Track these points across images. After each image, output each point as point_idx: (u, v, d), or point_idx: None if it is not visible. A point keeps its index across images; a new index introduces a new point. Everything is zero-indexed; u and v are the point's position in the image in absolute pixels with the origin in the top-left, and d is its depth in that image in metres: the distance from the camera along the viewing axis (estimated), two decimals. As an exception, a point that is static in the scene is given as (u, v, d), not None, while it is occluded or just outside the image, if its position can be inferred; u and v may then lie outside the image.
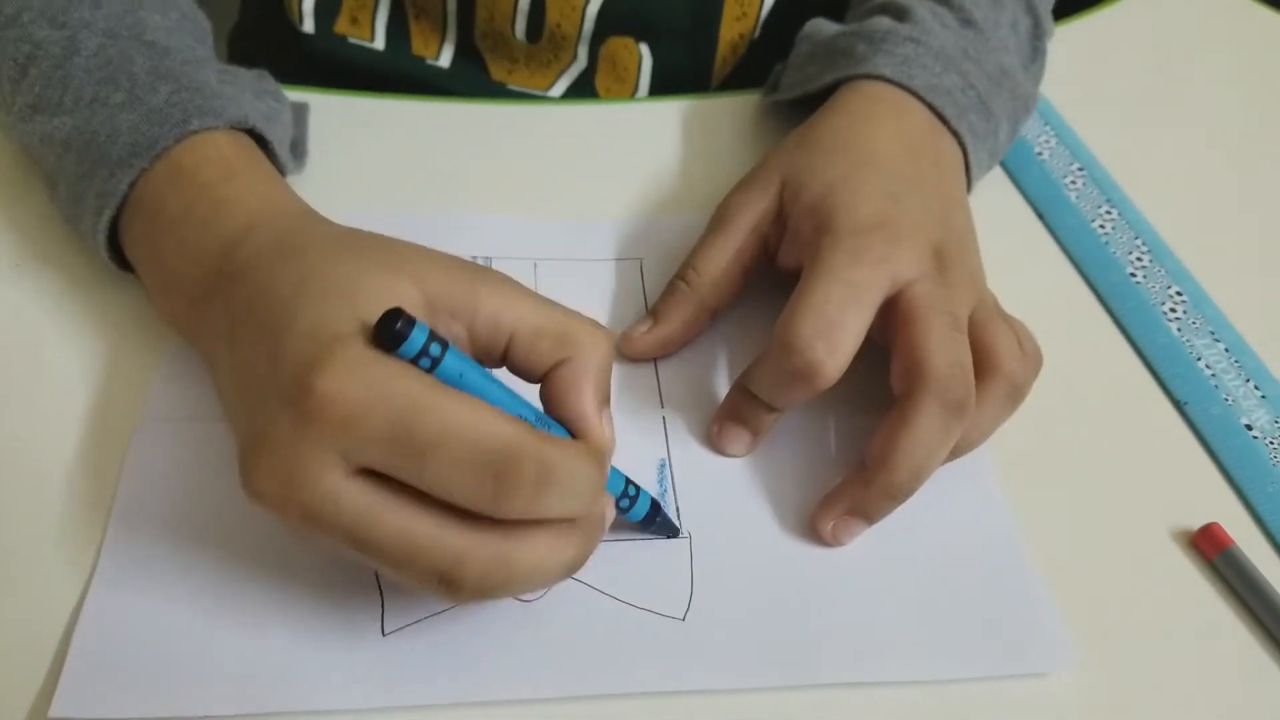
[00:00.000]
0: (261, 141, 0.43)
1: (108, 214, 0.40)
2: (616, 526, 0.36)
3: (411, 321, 0.30)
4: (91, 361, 0.41)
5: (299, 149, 0.49)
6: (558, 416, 0.34)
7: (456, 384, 0.31)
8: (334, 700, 0.33)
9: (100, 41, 0.42)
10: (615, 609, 0.36)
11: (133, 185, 0.39)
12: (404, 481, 0.30)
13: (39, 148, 0.43)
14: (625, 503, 0.36)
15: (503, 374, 0.34)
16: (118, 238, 0.41)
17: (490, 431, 0.29)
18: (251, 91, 0.45)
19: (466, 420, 0.29)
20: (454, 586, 0.30)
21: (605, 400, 0.34)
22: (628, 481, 0.36)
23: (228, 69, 0.45)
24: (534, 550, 0.31)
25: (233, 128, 0.41)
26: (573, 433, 0.34)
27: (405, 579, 0.31)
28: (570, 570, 0.32)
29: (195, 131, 0.40)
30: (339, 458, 0.29)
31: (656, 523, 0.37)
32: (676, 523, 0.38)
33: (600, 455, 0.32)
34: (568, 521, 0.31)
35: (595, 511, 0.32)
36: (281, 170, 0.45)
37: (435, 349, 0.30)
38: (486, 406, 0.30)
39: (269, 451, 0.30)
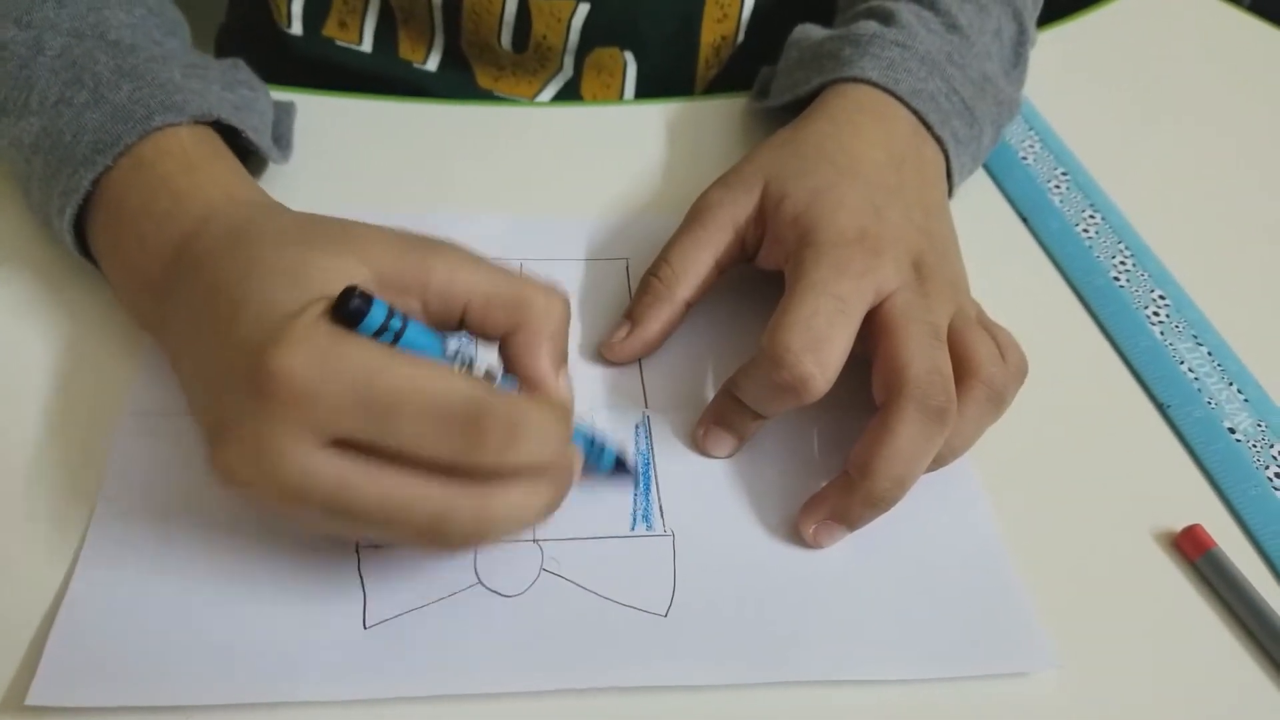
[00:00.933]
0: (235, 131, 0.43)
1: (70, 211, 0.40)
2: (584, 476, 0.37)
3: (369, 298, 0.30)
4: (74, 357, 0.41)
5: (283, 143, 0.49)
6: (518, 379, 0.35)
7: (424, 355, 0.31)
8: (315, 692, 0.33)
9: (65, 41, 0.43)
10: (598, 605, 0.36)
11: (96, 182, 0.40)
12: (375, 446, 0.30)
13: (8, 151, 0.43)
14: (594, 453, 0.37)
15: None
16: (87, 236, 0.41)
17: (453, 386, 0.30)
18: (220, 83, 0.45)
19: (428, 376, 0.30)
20: (441, 541, 0.31)
21: (561, 360, 0.35)
22: (593, 438, 0.37)
23: (197, 62, 0.45)
24: (511, 499, 0.31)
25: (197, 121, 0.42)
26: (534, 394, 0.35)
27: (391, 538, 0.32)
28: (545, 516, 0.33)
29: (159, 128, 0.40)
30: (306, 432, 0.30)
31: (625, 470, 0.39)
32: (643, 472, 0.39)
33: (563, 408, 0.33)
34: (538, 471, 0.32)
35: (564, 461, 0.33)
36: (265, 156, 0.45)
37: (396, 323, 0.31)
38: (445, 366, 0.31)
39: (236, 437, 0.31)
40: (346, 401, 0.30)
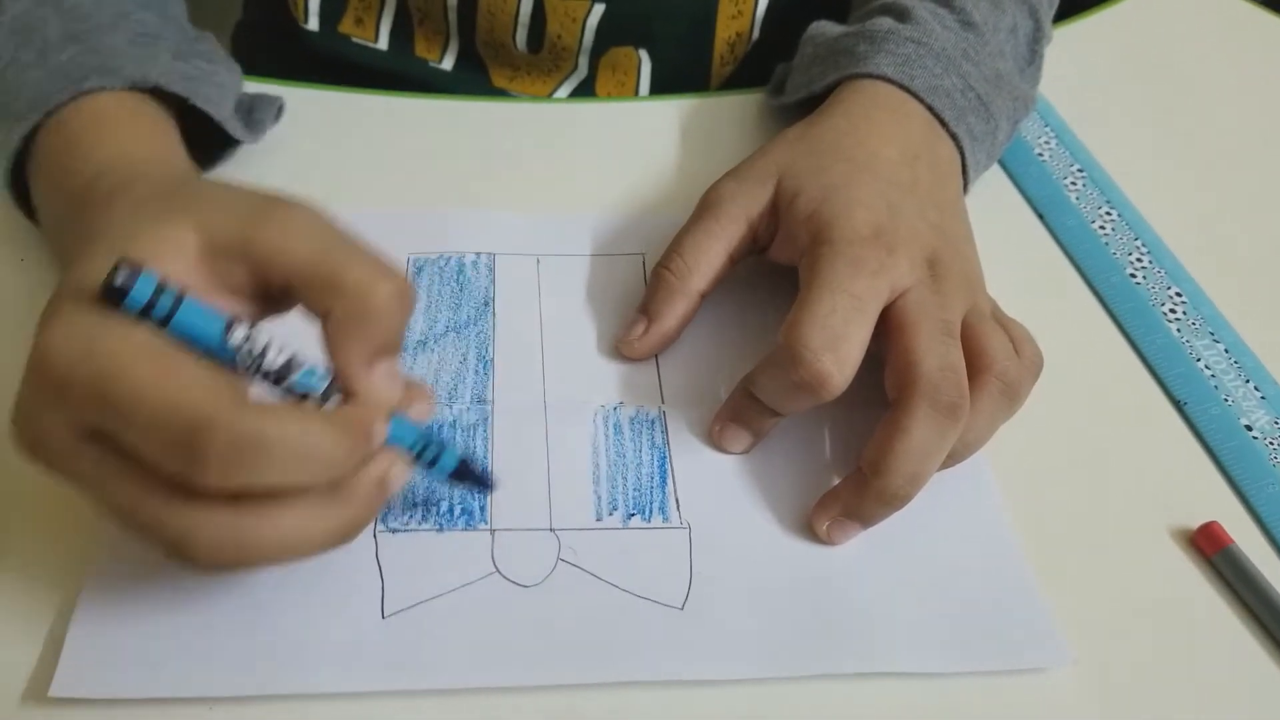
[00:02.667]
0: (182, 101, 0.44)
1: (3, 164, 0.41)
2: (430, 484, 0.37)
3: (135, 273, 0.29)
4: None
5: (255, 125, 0.49)
6: (332, 370, 0.32)
7: (199, 343, 0.29)
8: (333, 682, 0.33)
9: (25, 6, 0.44)
10: (615, 596, 0.36)
11: (31, 139, 0.41)
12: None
13: None
14: (428, 456, 0.34)
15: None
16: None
17: (181, 399, 0.28)
18: (172, 53, 0.45)
19: (158, 385, 0.28)
20: (187, 558, 0.29)
21: (380, 352, 0.32)
22: (428, 439, 0.34)
23: (150, 32, 0.45)
24: (277, 525, 0.29)
25: (135, 87, 0.42)
26: (343, 390, 0.32)
27: (149, 545, 0.30)
28: (339, 539, 0.31)
29: (89, 91, 0.41)
30: (62, 416, 0.29)
31: (470, 478, 0.36)
32: (493, 477, 0.37)
33: (349, 424, 0.30)
34: (328, 489, 0.30)
35: (364, 478, 0.31)
36: (222, 131, 0.46)
37: (166, 304, 0.29)
38: (191, 372, 0.29)
39: (17, 407, 0.30)
40: (89, 398, 0.28)
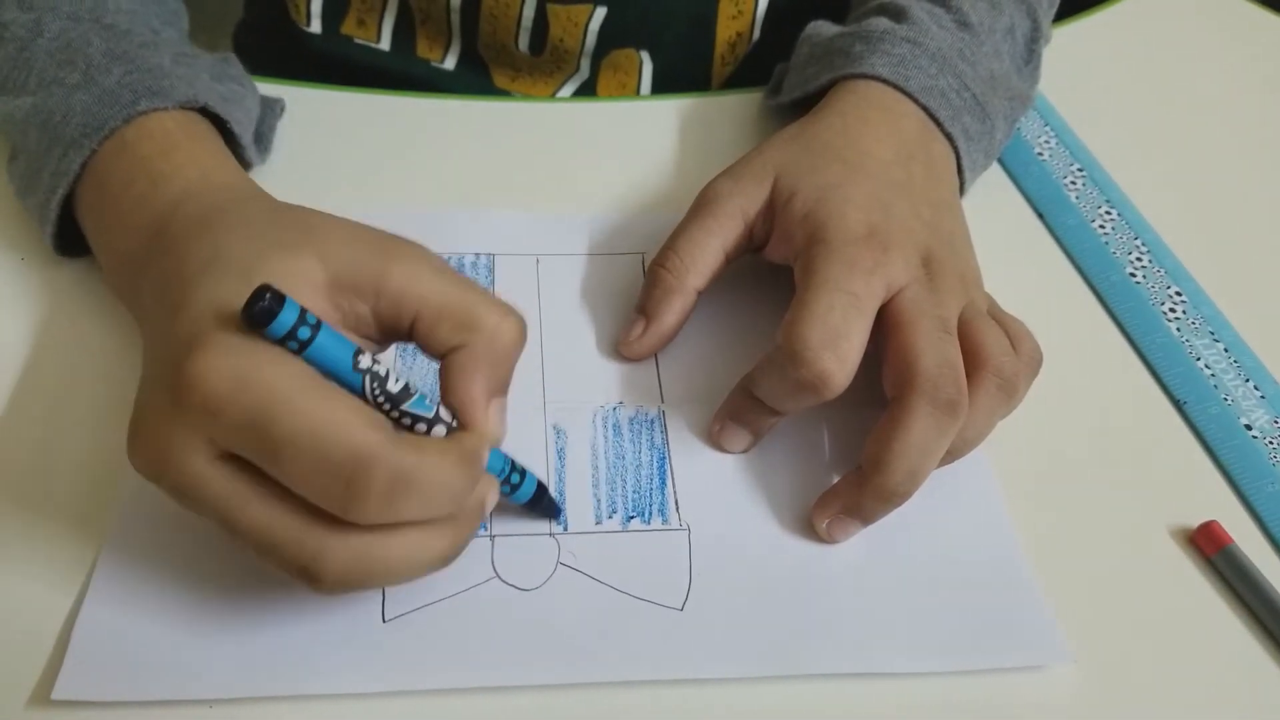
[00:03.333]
0: (218, 121, 0.44)
1: (60, 192, 0.41)
2: (501, 509, 0.37)
3: (281, 300, 0.29)
4: (96, 352, 0.42)
5: (263, 144, 0.49)
6: (447, 401, 0.33)
7: (330, 369, 0.30)
8: (334, 685, 0.33)
9: (63, 24, 0.44)
10: (614, 598, 0.36)
11: (84, 165, 0.41)
12: (266, 473, 0.30)
13: (3, 126, 0.44)
14: (508, 488, 0.36)
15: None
16: (70, 215, 0.42)
17: (343, 437, 0.29)
18: (209, 74, 0.46)
19: (321, 422, 0.29)
20: (314, 580, 0.30)
21: (498, 389, 0.34)
22: (512, 465, 0.36)
23: (187, 52, 0.46)
24: (399, 548, 0.31)
25: (183, 107, 0.42)
26: (459, 420, 0.33)
27: (268, 567, 0.31)
28: (443, 562, 0.32)
29: (144, 112, 0.41)
30: (205, 442, 0.30)
31: (543, 504, 0.37)
32: (560, 505, 0.38)
33: (470, 456, 0.32)
34: (431, 521, 0.31)
35: (471, 503, 0.32)
36: (242, 156, 0.46)
37: (305, 331, 0.30)
38: (348, 406, 0.30)
39: (146, 427, 0.31)
40: (243, 425, 0.29)
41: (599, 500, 0.39)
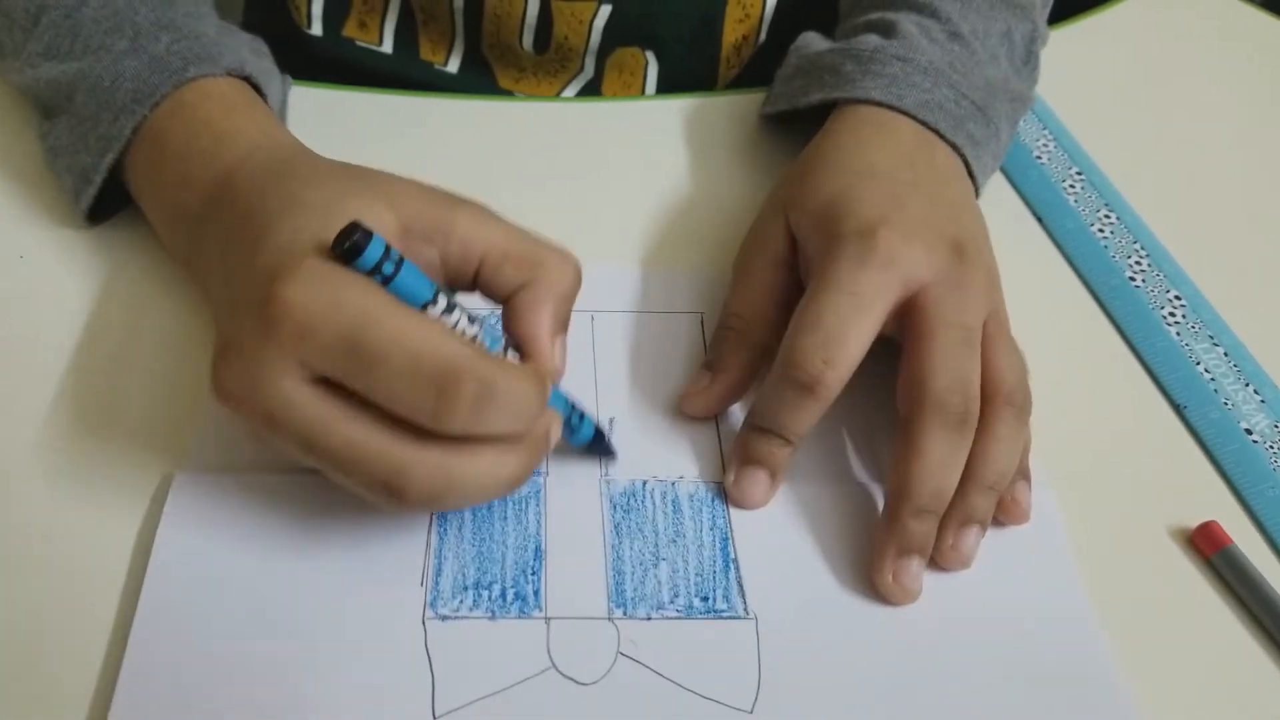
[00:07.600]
0: (257, 92, 0.45)
1: (111, 156, 0.42)
2: (560, 449, 0.38)
3: (369, 235, 0.31)
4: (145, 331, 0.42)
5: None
6: (513, 336, 0.35)
7: (411, 300, 0.32)
8: None
9: None
10: (678, 696, 0.34)
11: (135, 130, 0.42)
12: (356, 391, 0.31)
13: (44, 91, 0.45)
14: (568, 432, 0.37)
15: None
16: (115, 178, 0.43)
17: (435, 347, 0.31)
18: (248, 49, 0.47)
19: (413, 335, 0.31)
20: (398, 494, 0.32)
21: (561, 327, 0.36)
22: (573, 406, 0.37)
23: (225, 25, 0.47)
24: (476, 465, 0.32)
25: (230, 74, 0.43)
26: (523, 354, 0.35)
27: (352, 484, 0.32)
28: (513, 485, 0.34)
29: (193, 78, 0.42)
30: (297, 365, 0.31)
31: (601, 446, 0.39)
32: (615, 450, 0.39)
33: (543, 377, 0.34)
34: (510, 439, 0.33)
35: (538, 430, 0.34)
36: None
37: (389, 266, 0.31)
38: (435, 324, 0.32)
39: (236, 355, 0.32)
40: (337, 344, 0.31)
41: (660, 582, 0.37)
